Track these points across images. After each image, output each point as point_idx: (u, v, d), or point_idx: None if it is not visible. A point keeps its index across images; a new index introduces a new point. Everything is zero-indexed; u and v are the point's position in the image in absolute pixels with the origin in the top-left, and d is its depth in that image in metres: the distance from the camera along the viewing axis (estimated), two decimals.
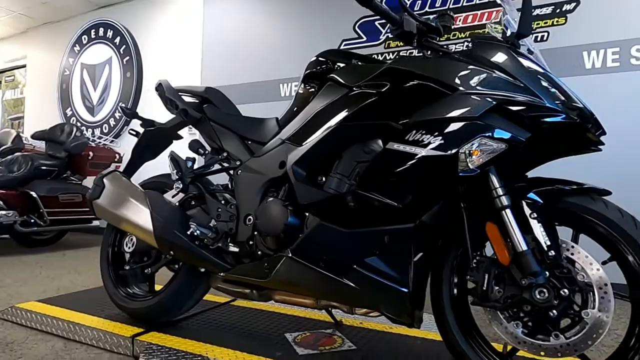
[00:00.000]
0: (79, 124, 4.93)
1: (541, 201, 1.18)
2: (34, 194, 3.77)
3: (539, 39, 3.01)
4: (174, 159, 1.69)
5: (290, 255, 1.34)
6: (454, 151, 1.16)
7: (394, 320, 1.30)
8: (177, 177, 1.65)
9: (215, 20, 4.40)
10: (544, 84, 1.18)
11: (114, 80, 5.03)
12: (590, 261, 1.12)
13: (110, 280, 1.86)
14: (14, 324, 1.96)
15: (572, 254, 1.15)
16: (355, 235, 1.27)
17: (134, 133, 2.06)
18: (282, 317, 1.92)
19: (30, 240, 4.10)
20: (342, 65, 1.50)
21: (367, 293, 1.28)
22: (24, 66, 6.03)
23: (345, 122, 1.32)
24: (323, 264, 1.30)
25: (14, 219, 3.70)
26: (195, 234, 1.49)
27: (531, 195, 1.19)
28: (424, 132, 1.20)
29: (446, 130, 1.18)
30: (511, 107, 1.16)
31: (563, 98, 1.19)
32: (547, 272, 1.14)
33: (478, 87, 1.18)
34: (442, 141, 1.18)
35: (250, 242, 1.48)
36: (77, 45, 5.35)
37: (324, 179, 1.36)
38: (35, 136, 4.26)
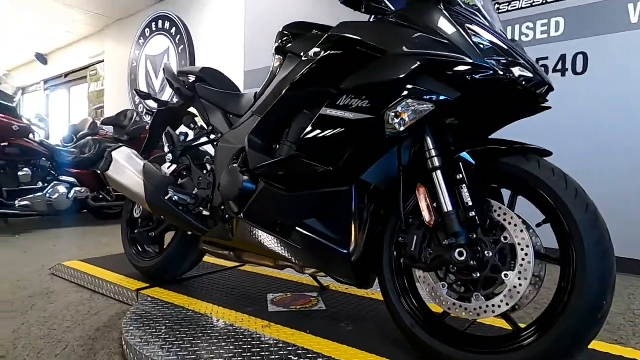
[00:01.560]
0: (141, 110, 5.45)
1: (473, 162, 1.15)
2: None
3: None
4: (168, 133, 1.88)
5: (242, 217, 1.45)
6: (379, 114, 1.17)
7: (339, 281, 1.36)
8: (168, 150, 1.83)
9: (256, 4, 4.57)
10: (476, 40, 1.13)
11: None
12: (516, 223, 1.08)
13: (127, 242, 2.13)
14: (59, 278, 2.34)
15: (499, 215, 1.11)
16: (295, 198, 1.34)
17: (151, 113, 2.29)
18: (272, 280, 2.05)
19: (103, 214, 4.68)
20: (301, 36, 1.54)
21: (310, 254, 1.35)
22: (102, 61, 6.77)
23: (291, 91, 1.37)
24: (270, 226, 1.39)
25: (87, 195, 4.26)
26: (174, 199, 1.67)
27: (464, 155, 1.16)
28: (353, 96, 1.22)
29: (372, 93, 1.19)
30: (437, 67, 1.14)
31: (501, 54, 1.13)
32: (470, 234, 1.12)
33: (405, 49, 1.17)
34: (369, 104, 1.20)
35: (222, 207, 1.62)
36: (141, 38, 5.87)
37: (277, 146, 1.44)
38: (104, 122, 4.81)
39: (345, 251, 1.30)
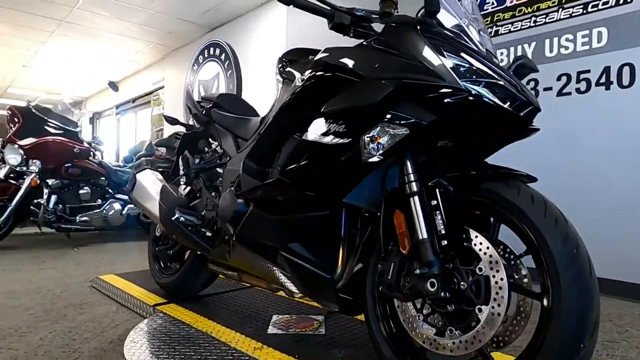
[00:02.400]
0: None
1: (451, 188, 1.11)
2: None
3: (621, 1, 2.52)
4: (185, 156, 1.99)
5: (234, 239, 1.49)
6: (355, 138, 1.16)
7: (324, 305, 1.35)
8: (183, 172, 1.93)
9: (295, 28, 4.73)
10: (452, 62, 1.09)
11: (221, 91, 5.76)
12: (491, 253, 1.02)
13: (152, 259, 2.26)
14: (96, 290, 2.52)
15: (476, 245, 1.05)
16: (279, 222, 1.36)
17: (178, 137, 2.44)
18: (282, 301, 2.07)
19: None
20: (296, 62, 1.58)
21: (295, 277, 1.36)
22: (163, 87, 7.29)
23: (279, 115, 1.40)
24: (258, 248, 1.42)
25: (138, 211, 4.56)
26: (181, 219, 1.75)
27: (443, 181, 1.12)
28: (331, 121, 1.23)
29: (348, 118, 1.19)
30: (411, 91, 1.11)
31: (479, 76, 1.09)
32: (447, 264, 1.07)
33: (380, 73, 1.16)
34: (345, 129, 1.19)
35: (223, 229, 1.68)
36: (195, 64, 6.26)
37: (269, 170, 1.47)
38: (157, 144, 5.13)
39: (329, 276, 1.29)
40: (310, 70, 1.36)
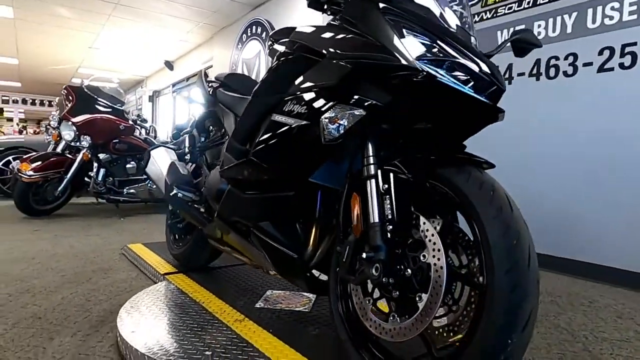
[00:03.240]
0: None
1: (405, 172, 1.07)
2: None
3: None
4: (191, 135, 2.07)
5: (215, 216, 1.54)
6: (315, 120, 1.16)
7: (294, 284, 1.37)
8: (188, 150, 2.02)
9: None
10: (411, 40, 1.04)
11: (261, 70, 5.84)
12: (435, 241, 0.98)
13: (167, 231, 2.40)
14: (125, 257, 2.74)
15: (422, 231, 1.02)
16: (249, 201, 1.39)
17: (194, 117, 2.53)
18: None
19: None
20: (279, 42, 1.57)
21: (266, 255, 1.39)
22: (211, 66, 7.52)
23: (256, 97, 1.42)
24: (233, 226, 1.46)
25: None
26: (179, 195, 1.84)
27: (398, 165, 1.09)
28: (295, 102, 1.22)
29: (309, 99, 1.18)
30: (367, 71, 1.08)
31: (440, 54, 1.03)
32: (397, 249, 1.04)
33: (339, 52, 1.14)
34: (306, 110, 1.19)
35: (211, 205, 1.74)
36: (239, 43, 6.38)
37: (249, 150, 1.50)
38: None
39: (296, 255, 1.31)
40: (282, 51, 1.36)
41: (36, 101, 14.69)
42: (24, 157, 4.24)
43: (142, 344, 1.33)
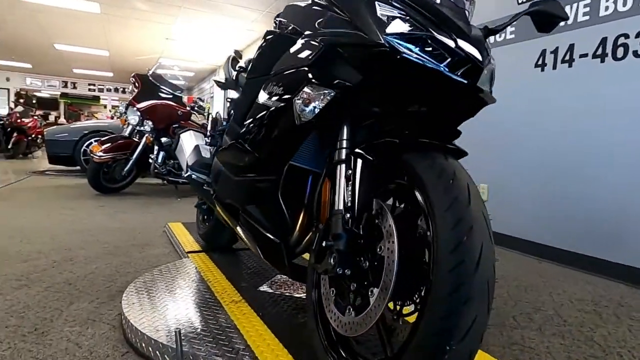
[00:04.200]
0: None
1: (370, 157, 1.00)
2: None
3: None
4: (214, 118, 2.12)
5: (214, 197, 1.56)
6: (289, 102, 1.12)
7: (277, 269, 1.35)
8: (210, 133, 2.07)
9: None
10: (383, 13, 0.96)
11: None
12: (391, 232, 0.90)
13: (197, 211, 2.50)
14: (165, 235, 2.91)
15: (382, 221, 0.94)
16: (236, 183, 1.38)
17: (229, 101, 2.60)
18: None
19: None
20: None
21: (252, 239, 1.38)
22: None
23: (248, 79, 1.41)
24: (227, 207, 1.47)
25: None
26: (193, 177, 1.89)
27: (363, 149, 1.02)
28: (274, 83, 1.19)
29: (285, 80, 1.15)
30: (337, 48, 1.01)
31: (413, 28, 0.94)
32: (359, 239, 0.98)
33: (314, 30, 1.08)
34: (283, 91, 1.15)
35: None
36: None
37: None
38: None
39: (278, 241, 1.29)
40: (271, 29, 1.33)
41: (126, 89, 16.10)
42: (99, 140, 4.66)
43: (136, 317, 1.40)
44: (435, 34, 0.92)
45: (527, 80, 2.92)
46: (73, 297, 1.75)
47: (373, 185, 0.98)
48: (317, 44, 1.04)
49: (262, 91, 1.24)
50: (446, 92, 0.97)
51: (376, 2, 0.97)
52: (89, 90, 16.09)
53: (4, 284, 1.87)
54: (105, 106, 16.45)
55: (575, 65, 2.63)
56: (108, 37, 9.38)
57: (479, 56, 0.92)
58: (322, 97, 1.04)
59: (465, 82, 0.92)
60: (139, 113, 4.51)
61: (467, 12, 1.07)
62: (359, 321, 0.92)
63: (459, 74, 0.92)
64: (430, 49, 0.92)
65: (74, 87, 15.91)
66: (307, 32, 1.10)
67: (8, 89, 14.54)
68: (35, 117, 9.76)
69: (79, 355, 1.29)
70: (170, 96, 4.70)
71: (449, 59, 0.92)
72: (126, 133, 4.73)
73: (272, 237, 1.30)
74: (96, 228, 3.04)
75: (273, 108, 1.17)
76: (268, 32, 1.30)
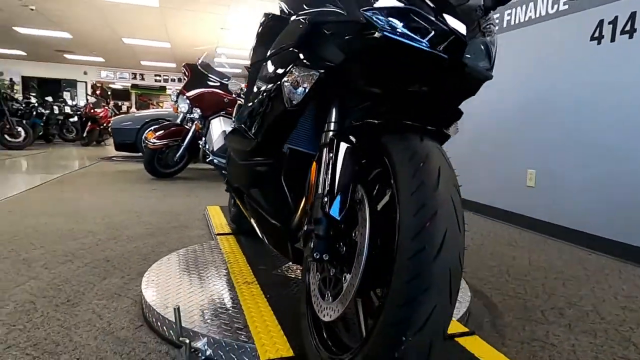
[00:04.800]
0: None
1: (351, 140, 0.97)
2: None
3: None
4: (239, 104, 2.16)
5: (225, 181, 1.60)
6: (277, 84, 1.11)
7: (280, 253, 1.36)
8: (233, 119, 2.12)
9: None
10: None
11: None
12: (365, 217, 0.87)
13: (230, 194, 2.58)
14: (204, 217, 3.04)
15: (360, 207, 0.91)
16: (239, 167, 1.40)
17: None
18: None
19: None
20: None
21: (257, 222, 1.40)
22: None
23: (251, 66, 1.41)
24: (236, 190, 1.50)
25: None
26: (215, 161, 1.95)
27: (347, 132, 0.99)
28: (267, 67, 1.19)
29: (275, 63, 1.14)
30: (320, 28, 0.99)
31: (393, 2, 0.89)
32: (340, 224, 0.96)
33: (301, 11, 1.06)
34: (272, 74, 1.14)
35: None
36: None
37: None
38: None
39: (279, 225, 1.29)
40: (267, 12, 1.32)
41: None
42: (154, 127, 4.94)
43: (150, 294, 1.48)
44: (415, 7, 0.86)
45: (581, 55, 2.66)
46: (107, 273, 1.89)
47: (356, 170, 0.95)
48: (303, 23, 1.02)
49: (258, 75, 1.24)
50: (430, 69, 0.90)
51: None
52: (155, 80, 17.05)
53: (52, 259, 2.06)
54: (170, 95, 17.36)
55: (637, 37, 2.34)
56: (168, 30, 9.83)
57: (463, 30, 0.85)
58: (309, 78, 1.01)
59: (446, 57, 0.85)
60: (188, 101, 4.70)
61: None
62: (333, 307, 0.91)
63: (440, 48, 0.85)
64: (411, 22, 0.86)
65: (142, 79, 16.93)
66: (295, 13, 1.07)
67: (86, 82, 15.80)
68: (106, 107, 10.53)
69: (98, 326, 1.39)
70: (218, 84, 4.85)
71: (431, 34, 0.85)
72: (178, 120, 4.96)
73: (274, 221, 1.31)
74: (144, 210, 3.24)
75: (265, 91, 1.17)
76: (264, 15, 1.30)
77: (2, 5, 8.20)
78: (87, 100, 12.19)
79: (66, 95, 14.50)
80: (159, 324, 1.35)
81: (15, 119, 8.23)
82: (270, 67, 1.15)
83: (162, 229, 2.69)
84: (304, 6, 1.06)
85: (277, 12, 1.44)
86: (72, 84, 16.09)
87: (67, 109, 10.62)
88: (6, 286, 1.71)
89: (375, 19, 0.86)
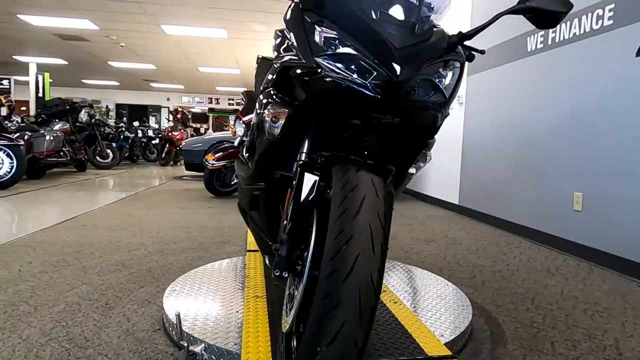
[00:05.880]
0: None
1: (312, 170, 1.08)
2: None
3: None
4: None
5: (238, 203, 1.76)
6: (260, 119, 1.26)
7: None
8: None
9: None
10: (325, 35, 1.03)
11: None
12: (311, 241, 0.97)
13: None
14: (245, 234, 3.25)
15: (310, 231, 1.01)
16: (243, 190, 1.55)
17: None
18: None
19: None
20: None
21: (256, 240, 1.54)
22: None
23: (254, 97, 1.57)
24: (243, 213, 1.65)
25: None
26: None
27: (308, 162, 1.10)
28: (257, 102, 1.34)
29: (260, 99, 1.28)
30: (285, 70, 1.12)
31: (343, 48, 1.01)
32: (299, 246, 1.07)
33: (279, 53, 1.20)
34: (258, 110, 1.29)
35: None
36: None
37: None
38: None
39: (271, 243, 1.42)
40: (262, 55, 1.48)
41: None
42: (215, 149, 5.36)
43: (169, 302, 1.68)
44: (358, 53, 0.96)
45: (628, 72, 2.50)
46: (146, 281, 2.14)
47: (313, 197, 1.05)
48: (278, 67, 1.16)
49: (254, 111, 1.40)
50: (370, 106, 0.99)
51: (315, 26, 1.04)
52: (229, 104, 18.28)
53: (105, 267, 2.36)
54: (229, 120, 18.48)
55: None
56: (237, 57, 10.57)
57: (397, 71, 0.93)
58: (283, 114, 1.15)
59: (379, 96, 0.94)
60: (244, 125, 5.04)
61: (427, 8, 1.06)
62: (286, 321, 1.01)
63: (377, 89, 0.94)
64: (354, 66, 0.96)
65: (217, 102, 18.24)
66: (276, 57, 1.22)
67: (168, 107, 17.37)
68: (182, 130, 11.48)
69: (124, 327, 1.61)
70: None
71: (371, 76, 0.94)
72: (236, 143, 5.33)
73: (267, 240, 1.44)
74: (195, 226, 3.55)
75: (255, 125, 1.32)
76: (257, 57, 1.46)
77: (98, 44, 9.43)
78: (166, 123, 13.37)
79: (152, 119, 16.04)
80: (170, 329, 1.53)
81: (105, 142, 9.29)
82: (258, 104, 1.31)
83: (204, 244, 2.94)
84: (281, 51, 1.20)
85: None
86: (157, 109, 17.79)
87: (150, 132, 11.74)
88: (63, 288, 2.01)
89: (327, 64, 0.97)
